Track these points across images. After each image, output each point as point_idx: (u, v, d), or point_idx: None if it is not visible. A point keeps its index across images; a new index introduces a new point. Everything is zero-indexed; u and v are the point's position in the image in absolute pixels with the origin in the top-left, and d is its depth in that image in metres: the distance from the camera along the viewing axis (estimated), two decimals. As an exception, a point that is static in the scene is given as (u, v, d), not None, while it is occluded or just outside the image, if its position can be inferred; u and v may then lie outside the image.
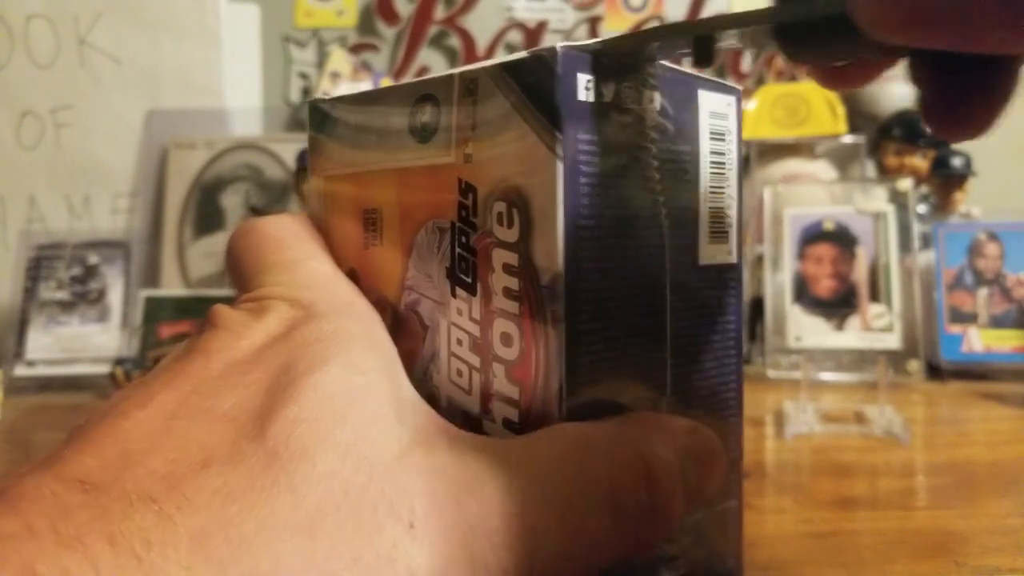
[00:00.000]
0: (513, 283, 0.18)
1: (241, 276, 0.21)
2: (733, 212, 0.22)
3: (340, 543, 0.14)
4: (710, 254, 0.21)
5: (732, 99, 0.22)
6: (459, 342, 0.20)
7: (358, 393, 0.16)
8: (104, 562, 0.12)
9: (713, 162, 0.21)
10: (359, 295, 0.20)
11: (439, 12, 1.04)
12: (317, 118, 0.24)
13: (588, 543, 0.16)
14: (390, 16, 1.04)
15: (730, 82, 0.22)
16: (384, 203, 0.22)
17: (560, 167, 0.17)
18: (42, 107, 0.89)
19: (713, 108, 0.21)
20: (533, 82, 0.18)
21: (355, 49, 1.03)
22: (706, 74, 0.21)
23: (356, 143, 0.23)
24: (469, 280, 0.20)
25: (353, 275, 0.22)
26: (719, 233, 0.21)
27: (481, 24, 1.05)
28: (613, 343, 0.19)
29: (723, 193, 0.21)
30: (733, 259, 0.22)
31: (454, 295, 0.20)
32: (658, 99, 0.19)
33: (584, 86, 0.18)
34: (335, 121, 0.23)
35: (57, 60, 0.89)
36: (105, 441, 0.15)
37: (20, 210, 0.89)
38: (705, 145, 0.21)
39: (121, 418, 0.15)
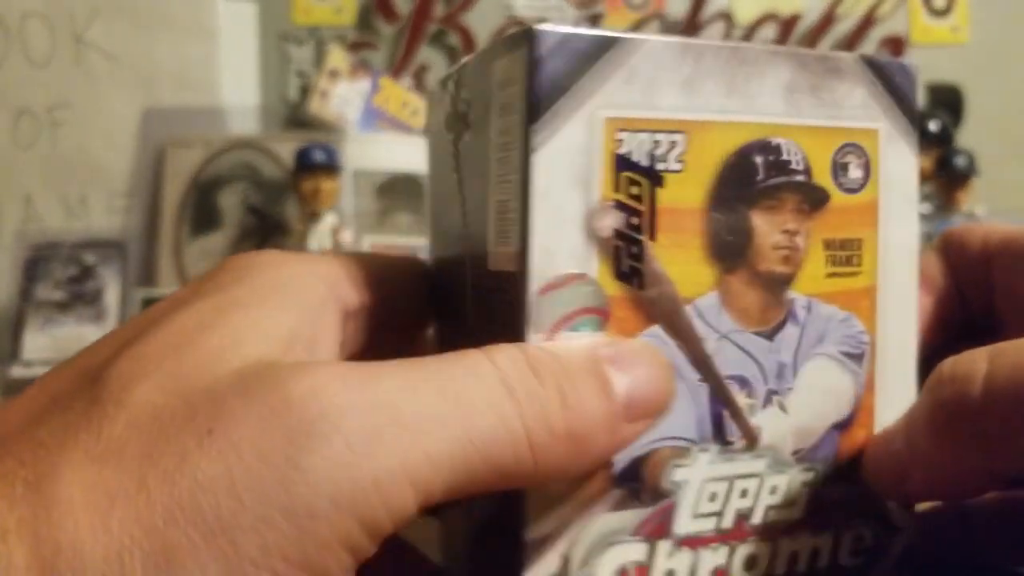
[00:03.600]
0: None
1: None
2: None
3: (127, 467, 0.13)
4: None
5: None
6: None
7: (211, 325, 0.15)
8: None
9: None
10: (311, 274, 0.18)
11: (438, 10, 1.04)
12: None
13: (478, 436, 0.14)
14: (389, 14, 1.03)
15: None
16: None
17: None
18: (38, 106, 0.89)
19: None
20: None
21: (354, 47, 1.03)
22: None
23: None
24: None
25: None
26: None
27: (481, 21, 1.05)
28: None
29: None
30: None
31: None
32: (461, 90, 0.20)
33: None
34: None
35: (53, 58, 0.89)
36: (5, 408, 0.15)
37: (16, 210, 0.89)
38: None
39: (32, 386, 0.16)
